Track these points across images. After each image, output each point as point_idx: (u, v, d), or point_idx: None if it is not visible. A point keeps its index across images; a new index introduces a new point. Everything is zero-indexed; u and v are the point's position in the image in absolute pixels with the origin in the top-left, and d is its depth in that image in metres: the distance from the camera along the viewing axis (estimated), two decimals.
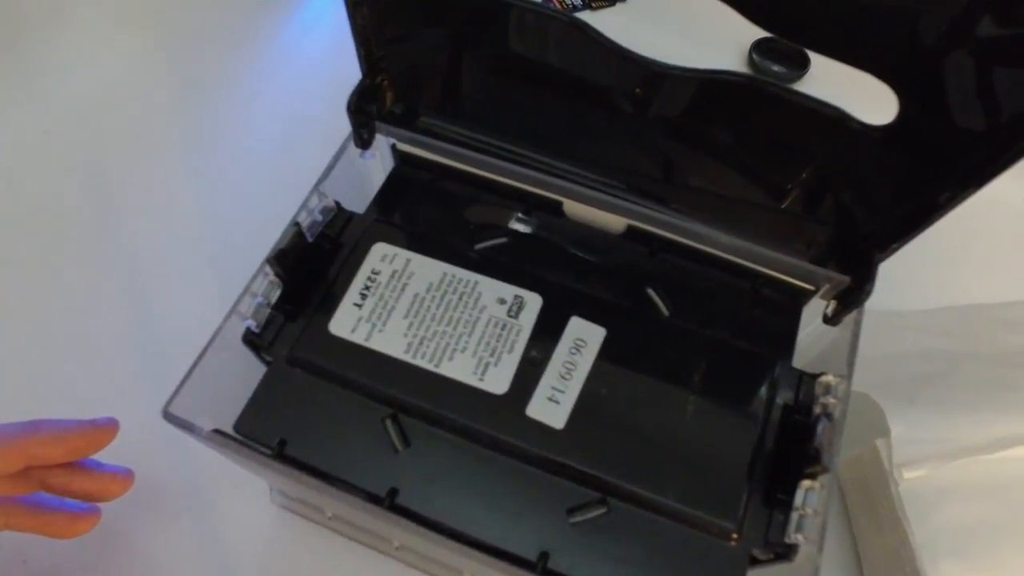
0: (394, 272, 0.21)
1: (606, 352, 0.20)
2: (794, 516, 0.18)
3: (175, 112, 0.36)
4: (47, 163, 0.35)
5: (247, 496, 0.27)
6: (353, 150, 0.23)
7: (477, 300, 0.21)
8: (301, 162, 0.24)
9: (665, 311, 0.21)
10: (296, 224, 0.20)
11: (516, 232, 0.23)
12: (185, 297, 0.30)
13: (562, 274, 0.21)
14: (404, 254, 0.22)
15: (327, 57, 0.39)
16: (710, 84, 0.19)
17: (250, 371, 0.21)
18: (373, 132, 0.23)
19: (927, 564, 0.22)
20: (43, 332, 0.30)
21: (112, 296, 0.31)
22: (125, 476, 0.23)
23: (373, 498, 0.18)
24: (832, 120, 0.18)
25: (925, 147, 0.17)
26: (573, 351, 0.20)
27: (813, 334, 0.23)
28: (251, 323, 0.20)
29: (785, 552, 0.18)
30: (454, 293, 0.21)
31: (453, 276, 0.21)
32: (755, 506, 0.19)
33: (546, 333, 0.20)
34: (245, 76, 0.38)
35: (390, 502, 0.18)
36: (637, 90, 0.20)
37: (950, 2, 0.15)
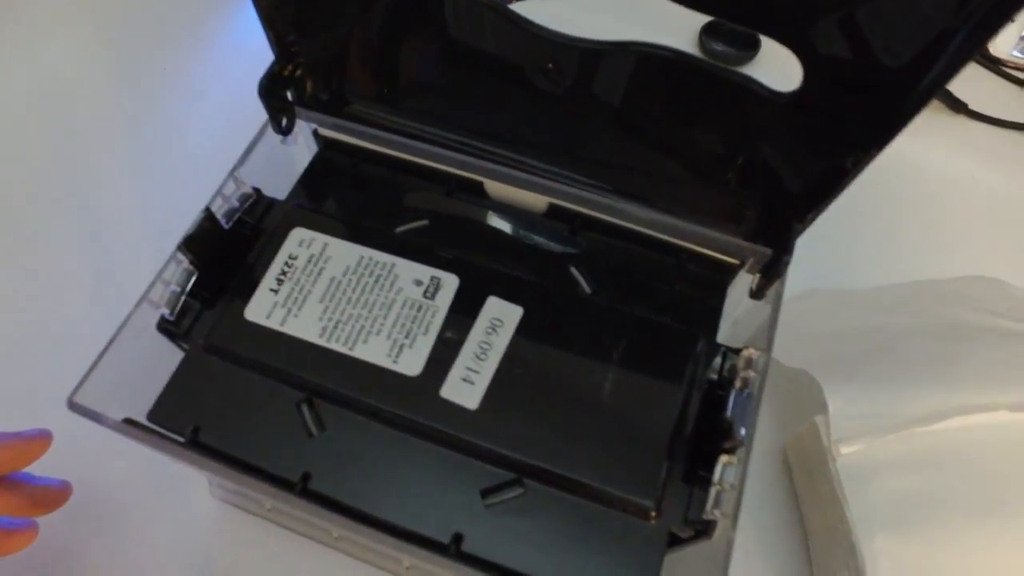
0: (311, 256, 0.21)
1: (523, 331, 0.20)
2: (712, 492, 0.18)
3: (117, 108, 0.36)
4: None
5: (187, 490, 0.27)
6: (275, 136, 0.23)
7: (394, 283, 0.21)
8: (240, 152, 0.24)
9: (587, 289, 0.21)
10: (207, 210, 0.20)
11: (437, 214, 0.22)
12: (116, 292, 0.30)
13: (482, 255, 0.21)
14: (322, 238, 0.21)
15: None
16: (620, 57, 0.19)
17: (168, 360, 0.21)
18: (293, 118, 0.23)
19: (862, 537, 0.22)
20: None
21: (43, 287, 0.31)
22: (61, 488, 0.23)
23: (286, 483, 0.18)
24: (740, 87, 0.18)
25: (828, 112, 0.17)
26: (489, 331, 0.20)
27: (746, 312, 0.23)
28: (165, 311, 0.20)
29: (704, 528, 0.18)
30: (371, 276, 0.21)
31: (370, 259, 0.21)
32: (675, 484, 0.19)
33: (462, 314, 0.20)
34: (190, 72, 0.38)
35: (303, 487, 0.18)
36: (550, 65, 0.20)
37: None
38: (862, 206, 0.35)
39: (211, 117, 0.37)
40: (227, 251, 0.21)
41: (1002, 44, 0.39)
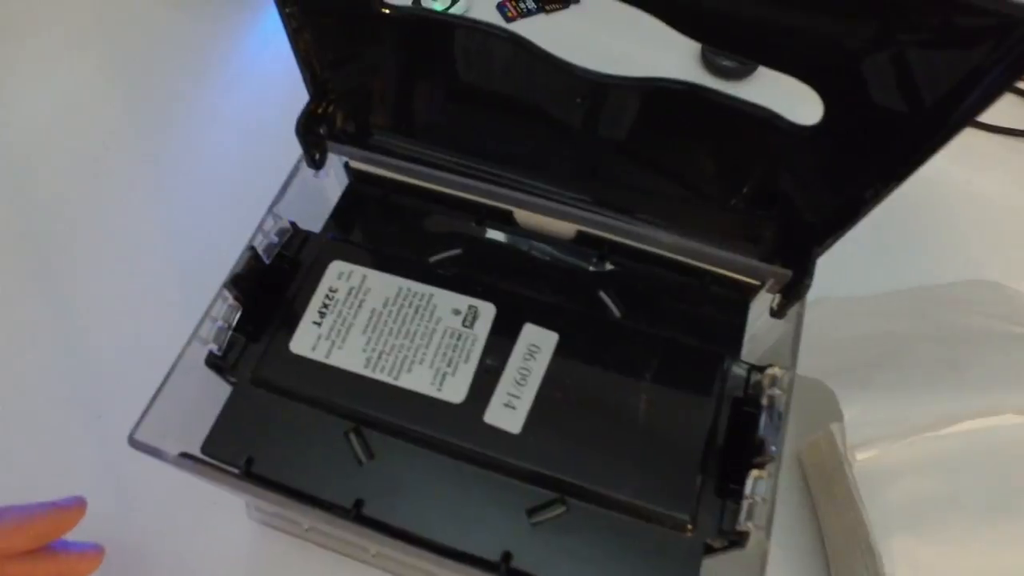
0: (351, 289, 0.22)
1: (559, 356, 0.21)
2: (745, 504, 0.19)
3: (132, 132, 0.37)
4: (2, 185, 0.35)
5: (224, 514, 0.27)
6: (307, 169, 0.24)
7: (432, 312, 0.21)
8: (261, 179, 0.25)
9: (617, 312, 0.22)
10: (251, 248, 0.21)
11: (469, 244, 0.23)
12: (145, 322, 0.30)
13: (515, 282, 0.22)
14: (360, 271, 0.22)
15: (284, 74, 0.39)
16: (647, 91, 0.19)
17: (215, 393, 0.21)
18: (325, 152, 0.24)
19: (880, 539, 0.23)
20: None
21: (66, 323, 0.31)
22: (95, 553, 0.23)
23: (340, 510, 0.19)
24: (762, 121, 0.19)
25: (850, 146, 0.18)
26: (527, 357, 0.21)
27: (764, 327, 0.24)
28: (213, 347, 0.21)
29: (738, 539, 0.19)
30: (410, 307, 0.21)
31: (409, 290, 0.22)
32: (708, 497, 0.20)
33: (501, 341, 0.21)
34: (202, 94, 0.38)
35: (356, 513, 0.19)
36: (578, 100, 0.21)
37: (862, 21, 0.16)
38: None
39: (225, 140, 0.37)
40: (268, 285, 0.22)
41: None
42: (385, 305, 0.22)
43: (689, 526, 0.19)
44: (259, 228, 0.22)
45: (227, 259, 0.22)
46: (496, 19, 0.44)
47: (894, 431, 0.25)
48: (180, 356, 0.20)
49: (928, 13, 0.15)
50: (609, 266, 0.23)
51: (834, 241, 0.20)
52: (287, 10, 0.19)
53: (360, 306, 0.22)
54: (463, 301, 0.22)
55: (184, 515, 0.28)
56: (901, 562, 0.23)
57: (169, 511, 0.28)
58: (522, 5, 0.46)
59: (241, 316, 0.21)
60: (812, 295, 0.34)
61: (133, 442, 0.18)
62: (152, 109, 0.38)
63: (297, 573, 0.27)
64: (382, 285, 0.22)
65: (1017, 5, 0.14)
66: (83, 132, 0.37)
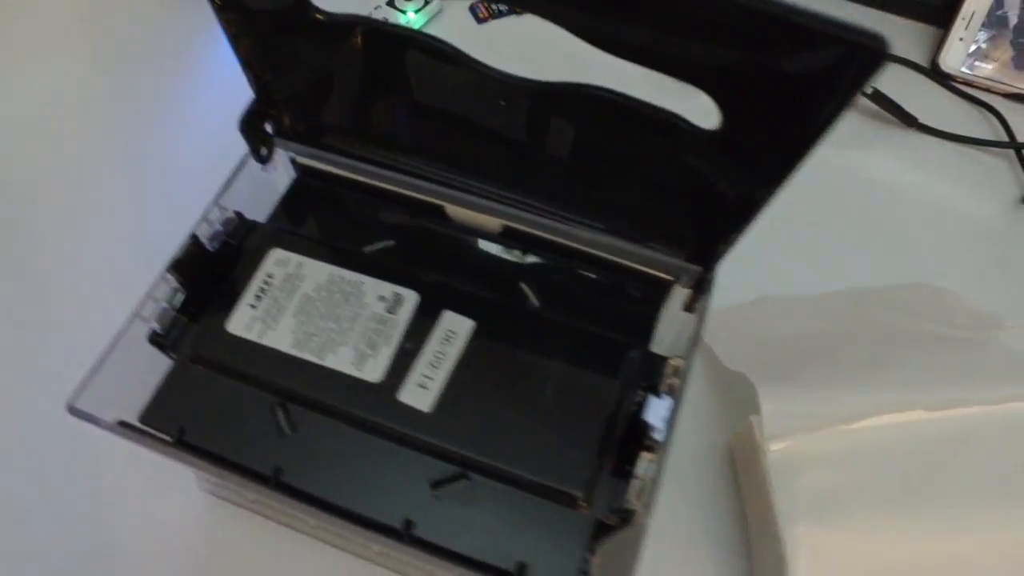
0: (287, 275, 0.23)
1: (475, 341, 0.22)
2: (634, 484, 0.20)
3: (109, 124, 0.39)
4: None
5: (176, 484, 0.29)
6: (256, 164, 0.25)
7: (360, 298, 0.23)
8: (227, 171, 0.26)
9: (535, 303, 0.24)
10: (193, 236, 0.23)
11: (402, 236, 0.25)
12: (106, 301, 0.32)
13: (441, 273, 0.24)
14: (297, 258, 0.24)
15: None
16: (566, 95, 0.21)
17: (159, 367, 0.23)
18: (272, 148, 0.25)
19: (785, 526, 0.25)
20: None
21: (31, 301, 0.33)
22: None
23: (260, 477, 0.21)
24: (667, 124, 0.20)
25: (740, 149, 0.19)
26: (444, 341, 0.22)
27: (679, 322, 0.25)
28: (156, 325, 0.22)
29: (626, 516, 0.20)
30: (340, 293, 0.23)
31: (340, 277, 0.23)
32: (605, 478, 0.21)
33: (420, 326, 0.22)
34: (176, 94, 0.40)
35: (275, 480, 0.21)
36: (502, 103, 0.22)
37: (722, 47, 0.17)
38: (815, 214, 0.37)
39: (198, 137, 0.39)
40: (212, 270, 0.24)
41: (952, 60, 0.41)
42: (317, 291, 0.23)
43: (583, 503, 0.20)
44: (203, 218, 0.23)
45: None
46: (468, 21, 0.45)
47: (808, 424, 0.26)
48: (120, 332, 0.21)
49: (777, 43, 0.16)
50: (532, 260, 0.24)
51: (736, 238, 0.22)
52: (225, 16, 0.21)
53: (294, 291, 0.23)
54: (389, 288, 0.23)
55: (136, 485, 0.30)
56: (802, 548, 0.24)
57: (123, 481, 0.30)
58: (494, 7, 0.48)
59: (185, 298, 0.23)
60: (757, 292, 0.35)
61: (72, 410, 0.20)
62: (131, 101, 0.40)
63: (241, 540, 0.29)
64: (316, 272, 0.23)
65: (853, 29, 0.15)
66: (58, 128, 0.39)
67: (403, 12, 0.42)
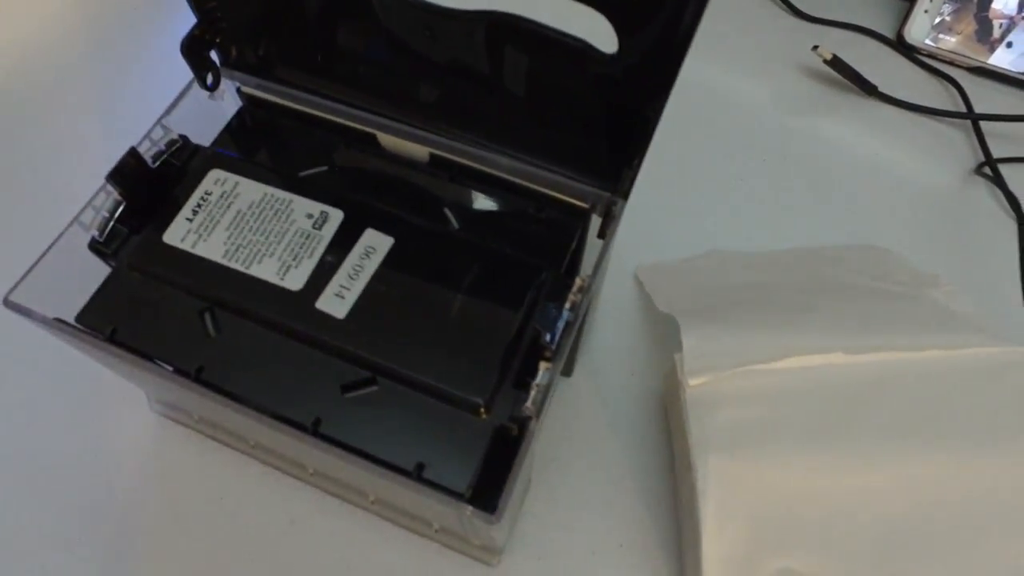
0: (223, 193, 0.25)
1: (392, 257, 0.23)
2: (532, 392, 0.21)
3: (88, 69, 0.40)
4: None
5: (127, 406, 0.31)
6: (203, 93, 0.26)
7: (289, 216, 0.24)
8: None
9: (456, 226, 0.24)
10: (132, 149, 0.24)
11: (336, 162, 0.26)
12: (56, 212, 0.33)
13: (369, 196, 0.25)
14: (234, 178, 0.25)
15: None
16: (482, 21, 0.22)
17: (99, 276, 0.24)
18: (219, 76, 0.26)
19: (698, 457, 0.25)
20: None
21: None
22: None
23: (183, 373, 0.22)
24: (576, 48, 0.21)
25: (635, 69, 0.20)
26: (363, 256, 0.23)
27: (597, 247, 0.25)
28: (95, 232, 0.24)
29: (524, 422, 0.21)
30: (271, 210, 0.24)
31: (273, 196, 0.24)
32: (507, 388, 0.22)
33: (343, 242, 0.23)
34: (154, 37, 0.41)
35: (196, 376, 0.22)
36: (427, 32, 0.23)
37: None
38: (773, 177, 0.38)
39: (174, 77, 0.40)
40: (154, 187, 0.25)
41: (916, 32, 0.41)
42: (250, 208, 0.24)
43: (483, 410, 0.21)
44: (146, 136, 0.25)
45: None
46: None
47: (728, 362, 0.27)
48: (59, 235, 0.23)
49: None
50: (457, 188, 0.25)
51: (639, 162, 0.22)
52: None
53: (228, 207, 0.24)
54: (316, 207, 0.24)
55: (89, 407, 0.31)
56: (712, 477, 0.25)
57: (75, 404, 0.31)
58: None
59: (124, 210, 0.24)
60: (707, 247, 0.36)
61: (7, 303, 0.21)
62: (108, 48, 0.41)
63: (189, 458, 0.30)
64: (251, 191, 0.25)
65: None
66: (41, 67, 0.41)
67: None
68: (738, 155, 0.38)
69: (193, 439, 0.31)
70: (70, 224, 0.23)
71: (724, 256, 0.34)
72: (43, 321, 0.22)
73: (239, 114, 0.27)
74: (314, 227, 0.24)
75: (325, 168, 0.26)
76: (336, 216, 0.24)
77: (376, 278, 0.23)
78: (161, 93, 0.33)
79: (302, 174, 0.26)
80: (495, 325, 0.22)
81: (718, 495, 0.25)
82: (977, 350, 0.27)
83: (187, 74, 0.26)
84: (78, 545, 0.28)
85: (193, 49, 0.24)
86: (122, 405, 0.31)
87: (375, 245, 0.23)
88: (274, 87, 0.26)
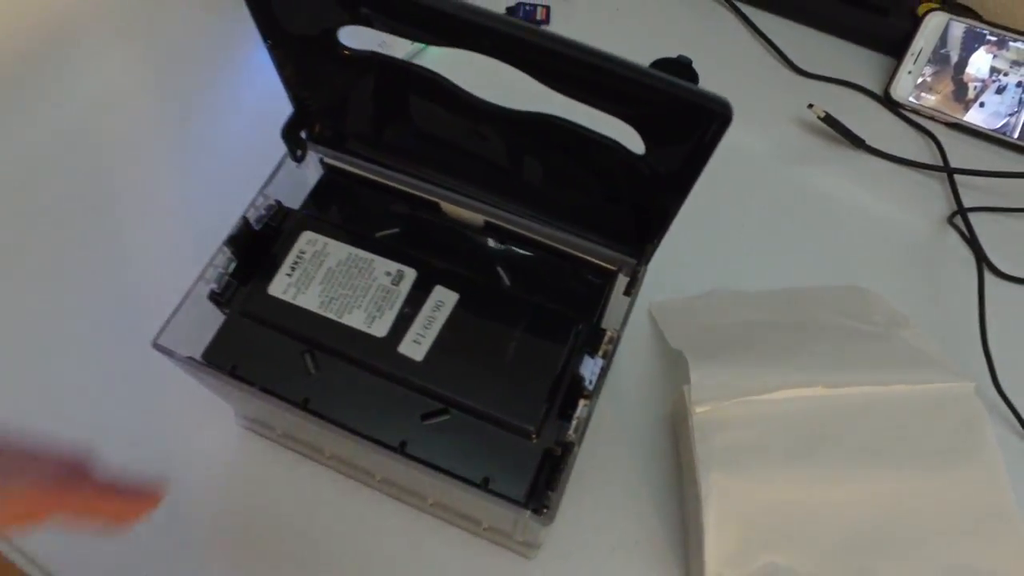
0: (315, 252, 0.30)
1: (458, 310, 0.29)
2: (574, 423, 0.26)
3: (163, 117, 0.45)
4: (58, 156, 0.44)
5: (215, 420, 0.36)
6: (291, 162, 0.31)
7: (371, 273, 0.29)
8: (265, 162, 0.32)
9: (507, 282, 0.30)
10: (244, 218, 0.29)
11: (406, 226, 0.31)
12: (171, 269, 0.37)
13: (435, 256, 0.30)
14: (323, 239, 0.30)
15: None
16: (532, 120, 0.26)
17: (215, 320, 0.30)
18: (306, 150, 0.31)
19: (702, 473, 0.31)
20: (53, 302, 0.39)
21: (106, 271, 0.40)
22: (152, 495, 0.24)
23: (294, 403, 0.27)
24: (607, 147, 0.26)
25: (659, 169, 0.25)
26: (435, 309, 0.28)
27: (622, 303, 0.30)
28: (214, 286, 0.29)
29: (567, 446, 0.26)
30: (355, 268, 0.29)
31: (356, 256, 0.30)
32: (552, 419, 0.27)
33: (417, 297, 0.29)
34: (226, 85, 0.47)
35: (304, 406, 0.27)
36: (484, 125, 0.28)
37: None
38: (767, 222, 0.43)
39: (241, 126, 0.45)
40: (257, 245, 0.30)
41: (900, 90, 0.46)
42: (338, 265, 0.30)
43: (534, 436, 0.27)
44: (251, 204, 0.30)
45: (231, 224, 0.30)
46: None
47: (727, 393, 0.32)
48: (189, 290, 0.28)
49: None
50: (506, 250, 0.30)
51: (660, 238, 0.27)
52: (273, 50, 0.27)
53: (320, 265, 0.30)
54: (394, 266, 0.29)
55: (182, 420, 0.36)
56: (713, 490, 0.30)
57: (172, 417, 0.36)
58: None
59: (236, 266, 0.29)
60: (710, 284, 0.41)
61: (156, 346, 0.27)
62: (183, 97, 0.46)
63: (270, 466, 0.35)
64: (338, 251, 0.30)
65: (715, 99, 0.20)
66: (123, 116, 0.46)
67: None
68: (738, 202, 0.43)
69: (273, 449, 0.36)
70: (196, 281, 0.28)
71: (724, 296, 0.39)
72: (182, 360, 0.27)
73: (321, 181, 0.32)
74: (392, 283, 0.29)
75: (397, 230, 0.31)
76: (410, 274, 0.29)
77: (446, 327, 0.28)
78: (231, 152, 0.37)
79: (378, 235, 0.31)
80: (543, 366, 0.28)
81: (718, 504, 0.30)
82: (934, 385, 0.32)
83: (258, 135, 0.30)
84: (169, 543, 0.33)
85: (291, 133, 0.29)
86: (211, 419, 0.36)
87: (443, 299, 0.29)
88: (351, 159, 0.31)
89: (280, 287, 0.29)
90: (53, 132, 0.45)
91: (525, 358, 0.28)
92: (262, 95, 0.47)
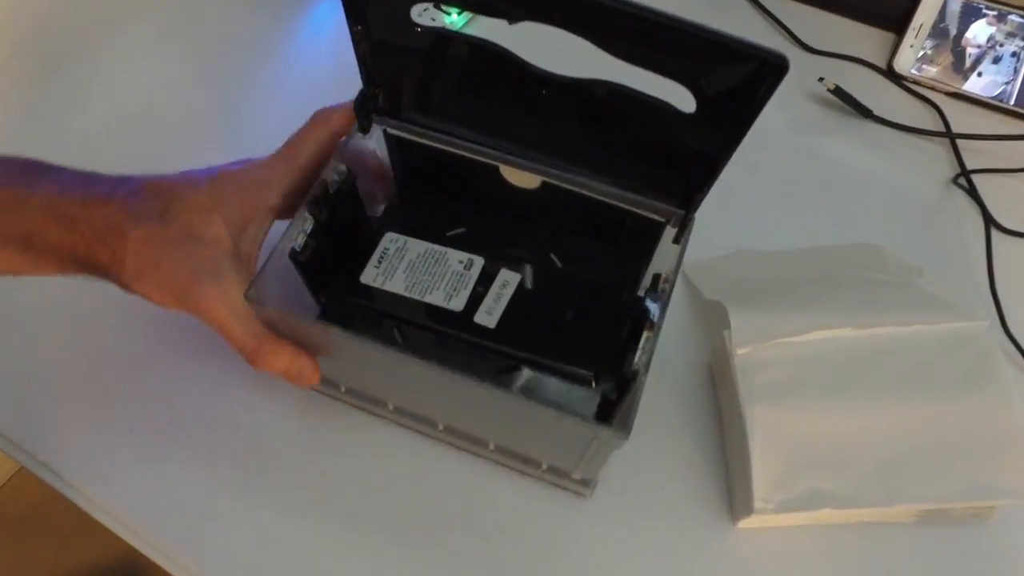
0: (397, 248, 0.36)
1: (521, 287, 0.34)
2: (638, 354, 0.29)
3: (208, 110, 0.48)
4: (108, 148, 0.44)
5: (283, 383, 0.36)
6: (357, 133, 0.35)
7: (446, 262, 0.35)
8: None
9: (559, 265, 0.35)
10: (323, 180, 0.33)
11: (472, 225, 0.37)
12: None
13: (498, 245, 0.35)
14: (403, 238, 0.36)
15: (330, 58, 0.51)
16: (589, 85, 0.29)
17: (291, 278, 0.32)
18: (371, 122, 0.34)
19: (746, 407, 0.34)
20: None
21: None
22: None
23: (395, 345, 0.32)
24: (660, 108, 0.28)
25: (710, 126, 0.28)
26: (501, 287, 0.34)
27: (672, 250, 0.33)
28: (295, 244, 0.32)
29: (632, 375, 0.30)
30: (432, 259, 0.35)
31: (432, 249, 0.35)
32: (609, 367, 0.32)
33: (486, 278, 0.34)
34: (268, 73, 0.50)
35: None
36: (543, 92, 0.30)
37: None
38: (786, 188, 0.46)
39: (284, 111, 0.40)
40: (332, 208, 0.33)
41: (903, 63, 0.49)
42: (418, 257, 0.35)
43: (593, 382, 0.31)
44: (330, 168, 0.33)
45: None
46: (501, 22, 0.51)
47: (765, 336, 0.36)
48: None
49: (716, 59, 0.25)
50: (558, 238, 0.36)
51: (708, 188, 0.30)
52: (355, 28, 0.30)
53: (403, 258, 0.35)
54: (464, 256, 0.35)
55: (252, 384, 0.38)
56: (758, 422, 0.34)
57: (239, 381, 0.38)
58: None
59: (314, 227, 0.32)
60: (734, 247, 0.44)
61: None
62: (227, 86, 0.49)
63: (334, 424, 0.37)
64: (416, 246, 0.36)
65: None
66: (169, 111, 0.48)
67: (448, 13, 0.49)
68: (757, 170, 0.46)
69: (335, 406, 0.38)
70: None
71: (749, 255, 0.43)
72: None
73: (398, 192, 0.38)
74: (464, 268, 0.34)
75: (463, 230, 0.37)
76: (478, 261, 0.35)
77: (512, 301, 0.33)
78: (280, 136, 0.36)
79: (448, 234, 0.36)
80: (595, 326, 0.33)
81: (762, 435, 0.34)
82: (951, 324, 0.36)
83: (299, 107, 0.33)
84: (246, 491, 0.35)
85: (365, 106, 0.33)
86: (278, 382, 0.34)
87: (508, 280, 0.34)
88: (416, 129, 0.34)
89: (370, 276, 0.35)
90: (104, 121, 0.47)
91: (580, 321, 0.33)
92: (298, 84, 0.50)
